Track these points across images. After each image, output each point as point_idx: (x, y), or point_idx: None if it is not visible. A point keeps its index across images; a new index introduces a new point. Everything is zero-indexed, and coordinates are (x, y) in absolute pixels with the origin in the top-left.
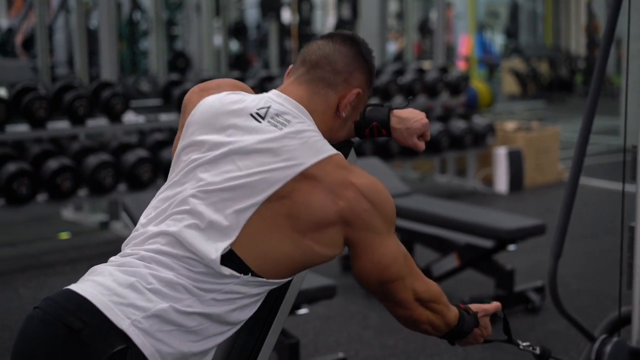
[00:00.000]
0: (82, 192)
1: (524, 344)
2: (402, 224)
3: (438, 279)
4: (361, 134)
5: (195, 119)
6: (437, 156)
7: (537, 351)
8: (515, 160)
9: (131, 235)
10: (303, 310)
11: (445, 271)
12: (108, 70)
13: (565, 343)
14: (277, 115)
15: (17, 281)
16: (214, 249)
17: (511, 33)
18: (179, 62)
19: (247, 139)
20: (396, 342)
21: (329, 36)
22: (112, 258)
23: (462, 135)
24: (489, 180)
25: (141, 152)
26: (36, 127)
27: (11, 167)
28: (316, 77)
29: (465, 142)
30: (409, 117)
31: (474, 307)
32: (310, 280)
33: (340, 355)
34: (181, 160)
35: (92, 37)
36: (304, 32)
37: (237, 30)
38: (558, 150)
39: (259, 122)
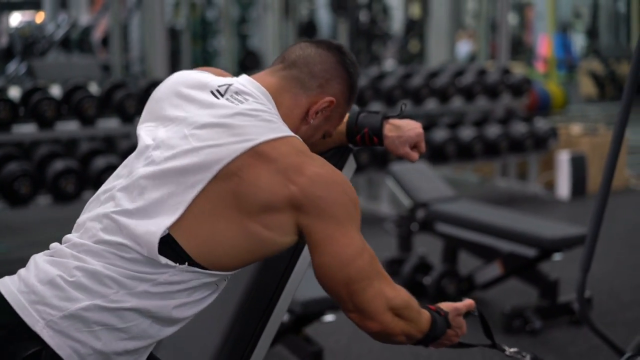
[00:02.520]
0: None
1: (512, 349)
2: (446, 230)
3: (481, 287)
4: (353, 140)
5: (159, 93)
6: (497, 160)
7: (528, 359)
8: (579, 166)
9: (81, 215)
10: (329, 318)
11: (489, 279)
12: (159, 69)
13: (607, 358)
14: (236, 93)
15: None
16: (156, 228)
17: (592, 33)
18: (249, 61)
19: (201, 112)
20: (430, 351)
21: (316, 40)
22: (51, 245)
23: (522, 138)
24: (550, 186)
25: None
26: (86, 125)
27: (59, 165)
28: (290, 75)
29: (525, 145)
30: (403, 126)
31: (444, 306)
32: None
33: None
34: (140, 138)
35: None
36: (374, 31)
37: (307, 29)
38: (625, 155)
39: (217, 98)
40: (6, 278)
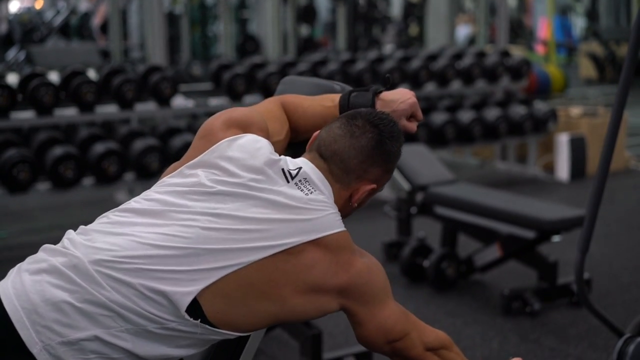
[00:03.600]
0: (129, 176)
1: None
2: (445, 212)
3: (481, 270)
4: None
5: (226, 146)
6: (496, 142)
7: None
8: (578, 147)
9: (121, 212)
10: None
11: (488, 262)
12: (157, 54)
13: (607, 339)
14: (305, 180)
15: None
16: (190, 288)
17: (592, 16)
18: (248, 46)
19: (273, 189)
20: None
21: (352, 119)
22: (71, 235)
23: (521, 121)
24: (550, 168)
25: (188, 137)
26: (85, 111)
27: (58, 151)
28: (329, 169)
29: (525, 128)
30: (395, 98)
31: None
32: None
33: None
34: (195, 173)
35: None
36: (373, 15)
37: (306, 13)
38: (625, 136)
39: (287, 180)
40: (9, 284)
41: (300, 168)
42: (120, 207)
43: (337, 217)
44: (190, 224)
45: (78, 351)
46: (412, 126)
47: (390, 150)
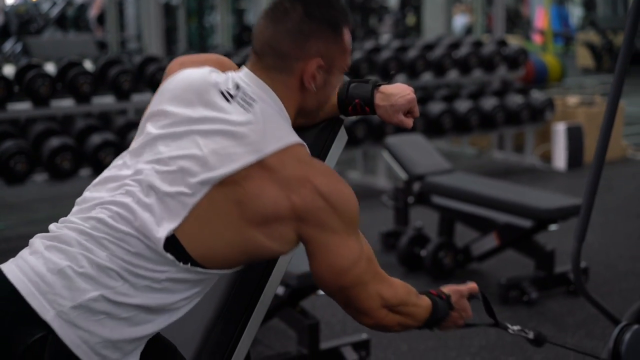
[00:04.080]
0: None
1: (515, 327)
2: (442, 202)
3: (478, 259)
4: (345, 111)
5: (169, 88)
6: (494, 132)
7: (531, 336)
8: (575, 136)
9: (83, 196)
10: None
11: (485, 251)
12: (154, 45)
13: (604, 328)
14: (244, 94)
15: None
16: (162, 228)
17: (589, 5)
18: (245, 36)
19: (212, 116)
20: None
21: (271, 11)
22: (51, 226)
23: (518, 110)
24: (547, 157)
25: None
26: (81, 102)
27: (54, 142)
28: (266, 65)
29: (522, 117)
30: (394, 92)
31: (447, 289)
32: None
33: (364, 336)
34: (145, 128)
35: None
36: (370, 5)
37: None
38: (622, 125)
39: (228, 101)
40: (11, 264)
41: (237, 85)
42: (96, 180)
43: (283, 129)
44: (139, 178)
45: (90, 313)
46: (409, 122)
47: (323, 16)
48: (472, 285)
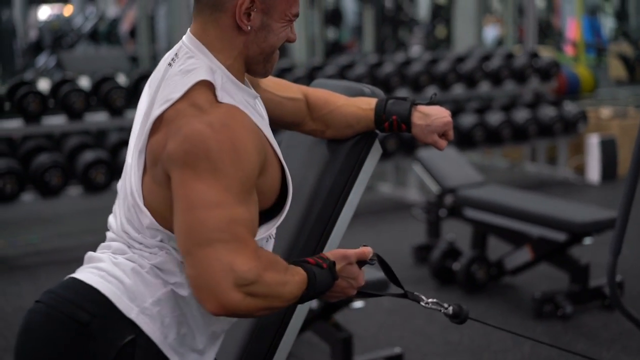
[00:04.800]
0: None
1: (430, 300)
2: (474, 215)
3: (511, 273)
4: (381, 127)
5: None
6: (526, 144)
7: (450, 311)
8: (609, 149)
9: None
10: (358, 304)
11: (519, 264)
12: None
13: (639, 343)
14: (176, 55)
15: None
16: (140, 198)
17: (621, 16)
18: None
19: (159, 92)
20: (461, 338)
21: None
22: (102, 245)
23: (551, 122)
24: (580, 170)
25: None
26: (115, 116)
27: (89, 156)
28: (201, 6)
29: (554, 129)
30: (432, 113)
31: (331, 254)
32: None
33: (397, 350)
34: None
35: None
36: (400, 17)
37: (333, 17)
38: None
39: (171, 67)
40: (85, 271)
41: (177, 52)
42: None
43: (186, 77)
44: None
45: (167, 308)
46: (443, 143)
47: None
48: (363, 249)
